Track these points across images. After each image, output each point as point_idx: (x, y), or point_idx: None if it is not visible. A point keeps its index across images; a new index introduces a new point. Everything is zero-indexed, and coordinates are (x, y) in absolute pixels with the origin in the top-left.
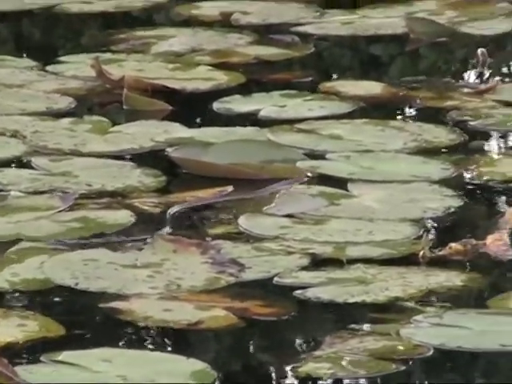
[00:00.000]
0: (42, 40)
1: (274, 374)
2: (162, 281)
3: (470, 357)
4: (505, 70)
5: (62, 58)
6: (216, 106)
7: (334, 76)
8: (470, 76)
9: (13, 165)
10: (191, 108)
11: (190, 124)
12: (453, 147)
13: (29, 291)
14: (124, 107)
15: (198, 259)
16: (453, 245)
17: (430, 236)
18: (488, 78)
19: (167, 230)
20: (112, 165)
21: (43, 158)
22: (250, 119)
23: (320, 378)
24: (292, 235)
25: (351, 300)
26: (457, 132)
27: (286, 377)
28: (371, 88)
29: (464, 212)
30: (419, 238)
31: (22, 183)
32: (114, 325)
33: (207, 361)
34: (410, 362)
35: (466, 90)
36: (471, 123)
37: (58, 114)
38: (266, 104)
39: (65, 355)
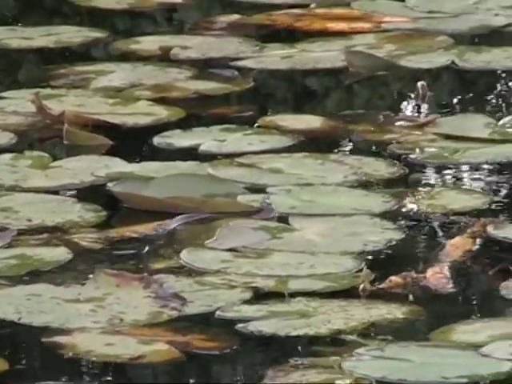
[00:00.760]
0: None
1: None
2: (105, 315)
3: None
4: (444, 103)
5: (2, 94)
6: (156, 140)
7: (271, 111)
8: (410, 109)
9: None
10: (132, 143)
11: (131, 159)
12: (393, 180)
13: None
14: (64, 142)
15: (141, 293)
16: (393, 278)
17: (371, 269)
18: (428, 111)
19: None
20: (52, 200)
21: None
22: (191, 154)
23: None
24: (234, 269)
25: (293, 333)
26: (397, 165)
27: None
28: (311, 122)
29: (405, 245)
30: (360, 271)
31: None
32: (56, 359)
33: None
34: None
35: (405, 123)
36: (411, 156)
37: None
38: (206, 138)
39: None
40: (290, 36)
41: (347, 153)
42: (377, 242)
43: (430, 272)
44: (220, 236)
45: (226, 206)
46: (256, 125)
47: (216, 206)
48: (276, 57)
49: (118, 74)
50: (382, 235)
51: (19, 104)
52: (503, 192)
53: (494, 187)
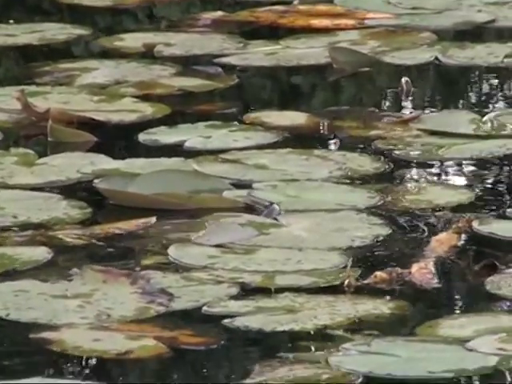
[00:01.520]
0: None
1: None
2: (92, 311)
3: None
4: (428, 99)
5: None
6: (142, 137)
7: (255, 107)
8: (394, 105)
9: None
10: (117, 140)
11: (116, 155)
12: (378, 176)
13: None
14: (49, 139)
15: (128, 289)
16: (378, 273)
17: (358, 265)
18: (412, 107)
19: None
20: (38, 197)
21: None
22: (176, 150)
23: None
24: (221, 265)
25: (280, 328)
26: (381, 161)
27: None
28: (295, 118)
29: (391, 240)
30: (347, 266)
31: None
32: (44, 355)
33: None
34: None
35: (390, 119)
36: (396, 152)
37: None
38: (191, 135)
39: None
40: (273, 33)
41: (332, 149)
42: (364, 238)
43: (415, 267)
44: (208, 232)
45: (212, 201)
46: (235, 122)
47: (202, 202)
48: (260, 53)
49: (102, 71)
50: (368, 231)
51: (4, 101)
52: (488, 187)
53: (479, 183)
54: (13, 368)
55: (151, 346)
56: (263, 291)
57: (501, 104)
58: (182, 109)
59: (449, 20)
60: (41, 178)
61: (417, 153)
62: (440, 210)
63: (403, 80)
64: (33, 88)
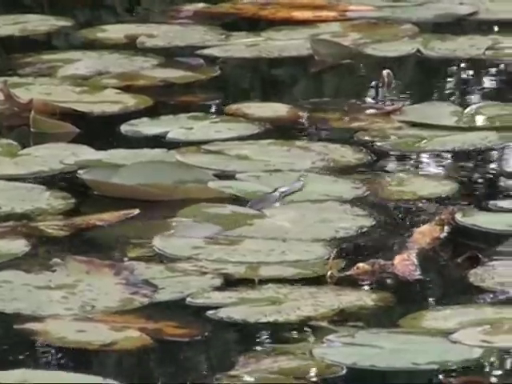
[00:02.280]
0: None
1: None
2: (76, 302)
3: (383, 376)
4: (410, 91)
5: None
6: (124, 128)
7: (237, 99)
8: (376, 97)
9: None
10: (99, 131)
11: (98, 146)
12: (360, 166)
13: None
14: (32, 130)
15: (112, 280)
16: (360, 265)
17: (341, 256)
18: (394, 99)
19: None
20: (21, 187)
21: None
22: (158, 141)
23: None
24: (205, 255)
25: (264, 320)
26: (363, 152)
27: None
28: (277, 110)
29: (375, 231)
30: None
31: None
32: (29, 346)
33: (122, 381)
34: (324, 381)
35: (371, 111)
36: (378, 144)
37: None
38: (173, 126)
39: None
40: (255, 25)
41: (313, 140)
42: (348, 229)
43: (397, 259)
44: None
45: (197, 192)
46: (213, 116)
47: (187, 192)
48: (241, 45)
49: (84, 63)
50: (353, 222)
51: None
52: (471, 179)
53: (462, 174)
54: None
55: (135, 337)
56: (247, 282)
57: (482, 96)
58: (165, 100)
59: (430, 12)
60: (24, 169)
61: (399, 144)
62: (423, 202)
63: (385, 72)
64: (15, 79)
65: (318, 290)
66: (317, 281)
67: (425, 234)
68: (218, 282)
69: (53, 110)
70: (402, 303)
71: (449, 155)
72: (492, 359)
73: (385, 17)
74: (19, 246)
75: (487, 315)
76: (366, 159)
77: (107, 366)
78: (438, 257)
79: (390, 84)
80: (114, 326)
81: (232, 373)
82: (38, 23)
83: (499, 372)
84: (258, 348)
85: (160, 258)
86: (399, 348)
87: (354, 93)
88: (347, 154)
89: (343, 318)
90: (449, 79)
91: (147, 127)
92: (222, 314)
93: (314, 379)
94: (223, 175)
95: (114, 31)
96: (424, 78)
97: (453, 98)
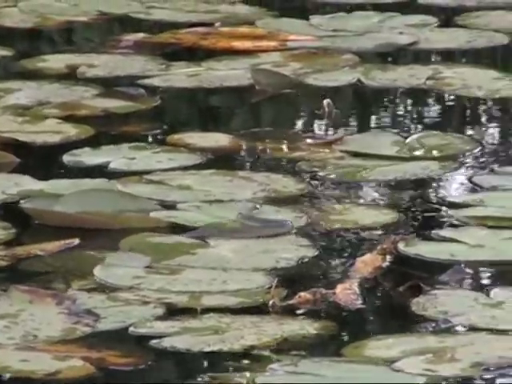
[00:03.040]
0: None
1: None
2: (19, 331)
3: None
4: (351, 120)
5: None
6: (66, 158)
7: (179, 129)
8: (317, 127)
9: None
10: (41, 161)
11: (40, 177)
12: (302, 196)
13: None
14: None
15: (54, 310)
16: (302, 294)
17: (283, 286)
18: (335, 129)
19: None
20: None
21: None
22: (100, 171)
23: None
24: (147, 285)
25: (207, 349)
26: (305, 181)
27: None
28: (219, 139)
29: (317, 261)
30: (271, 287)
31: None
32: None
33: None
34: None
35: (313, 140)
36: (320, 174)
37: None
38: (115, 156)
39: None
40: (195, 54)
41: (256, 170)
42: (289, 259)
43: (339, 288)
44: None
45: (137, 221)
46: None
47: (127, 221)
48: (182, 75)
49: (24, 93)
50: (295, 252)
51: None
52: (413, 209)
53: (404, 204)
54: None
55: (79, 366)
56: (189, 312)
57: (423, 126)
58: (106, 130)
59: (371, 42)
60: None
61: (341, 174)
62: (365, 231)
63: (325, 102)
64: None
65: (261, 320)
66: (259, 310)
67: (367, 263)
68: (160, 311)
69: None
70: (344, 332)
71: (390, 185)
72: None
73: (325, 46)
74: None
75: (430, 344)
76: (307, 189)
77: None
78: (380, 286)
79: (330, 114)
80: (57, 356)
81: None
82: None
83: None
84: (201, 377)
85: (101, 288)
86: (342, 376)
87: (295, 123)
88: (289, 184)
89: (286, 346)
90: (390, 109)
91: (89, 157)
92: (166, 343)
93: None
94: (164, 205)
95: (54, 61)
96: (365, 108)
97: (394, 128)
